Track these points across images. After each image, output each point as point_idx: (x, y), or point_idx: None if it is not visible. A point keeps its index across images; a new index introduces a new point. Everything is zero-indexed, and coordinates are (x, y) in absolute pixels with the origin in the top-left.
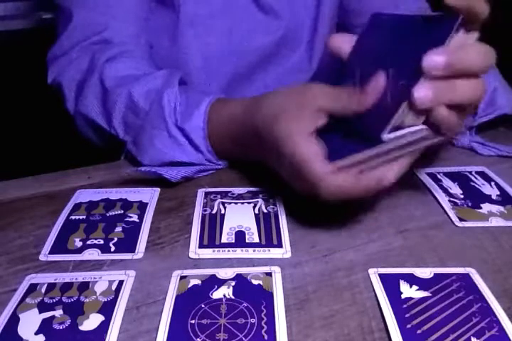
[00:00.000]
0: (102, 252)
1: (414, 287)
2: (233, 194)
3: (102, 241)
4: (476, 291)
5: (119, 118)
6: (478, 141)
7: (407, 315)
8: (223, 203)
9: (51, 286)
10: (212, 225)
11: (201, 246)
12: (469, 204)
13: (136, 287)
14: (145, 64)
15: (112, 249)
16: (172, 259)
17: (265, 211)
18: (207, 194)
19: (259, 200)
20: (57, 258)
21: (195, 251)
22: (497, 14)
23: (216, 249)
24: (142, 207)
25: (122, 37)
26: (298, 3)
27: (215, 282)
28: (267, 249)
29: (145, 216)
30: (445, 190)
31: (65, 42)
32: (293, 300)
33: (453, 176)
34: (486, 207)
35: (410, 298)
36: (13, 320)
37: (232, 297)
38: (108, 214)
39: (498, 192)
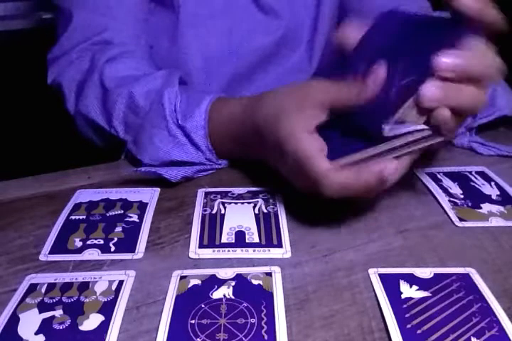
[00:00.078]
0: (102, 252)
1: (414, 287)
2: (233, 194)
3: (102, 241)
4: (476, 291)
5: (119, 118)
6: (478, 141)
7: (407, 315)
8: (223, 203)
9: (51, 286)
10: (212, 225)
11: (201, 246)
12: (469, 204)
13: (136, 287)
14: (145, 64)
15: (112, 249)
16: (172, 259)
17: (265, 211)
18: (207, 194)
19: (259, 200)
20: (57, 258)
21: (195, 251)
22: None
23: (216, 249)
24: (142, 207)
25: (122, 37)
26: (298, 3)
27: (215, 282)
28: (267, 248)
29: (145, 216)
30: (445, 190)
31: (65, 43)
32: (293, 300)
33: (453, 176)
34: (486, 207)
35: (410, 298)
36: (13, 320)
37: (232, 297)
38: (108, 214)
39: (498, 192)
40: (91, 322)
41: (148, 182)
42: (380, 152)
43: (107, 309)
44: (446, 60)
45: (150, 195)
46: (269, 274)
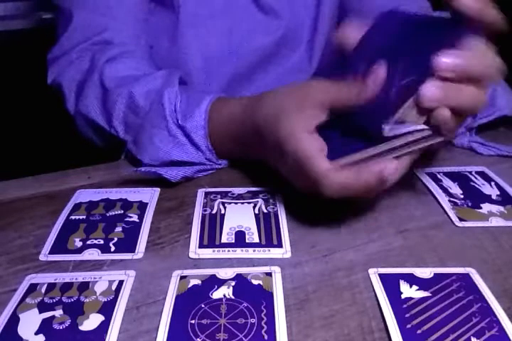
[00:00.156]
0: (102, 252)
1: (414, 287)
2: (233, 194)
3: (102, 241)
4: (476, 291)
5: (119, 118)
6: (478, 141)
7: (407, 315)
8: (223, 203)
9: (51, 286)
10: (212, 225)
11: (201, 246)
12: (469, 204)
13: (136, 287)
14: (145, 64)
15: (112, 249)
16: (172, 259)
17: (265, 211)
18: (207, 194)
19: (259, 200)
20: (57, 258)
21: (195, 251)
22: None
23: (216, 249)
24: (142, 207)
25: (122, 37)
26: (298, 3)
27: (215, 282)
28: (267, 248)
29: (145, 216)
30: (445, 190)
31: (65, 43)
32: (293, 300)
33: (453, 176)
34: (486, 207)
35: (410, 298)
36: (13, 320)
37: (232, 297)
38: (108, 214)
39: (498, 192)
40: (91, 322)
41: (148, 182)
42: (380, 152)
43: (107, 309)
44: (446, 60)
45: (150, 195)
46: (269, 274)
